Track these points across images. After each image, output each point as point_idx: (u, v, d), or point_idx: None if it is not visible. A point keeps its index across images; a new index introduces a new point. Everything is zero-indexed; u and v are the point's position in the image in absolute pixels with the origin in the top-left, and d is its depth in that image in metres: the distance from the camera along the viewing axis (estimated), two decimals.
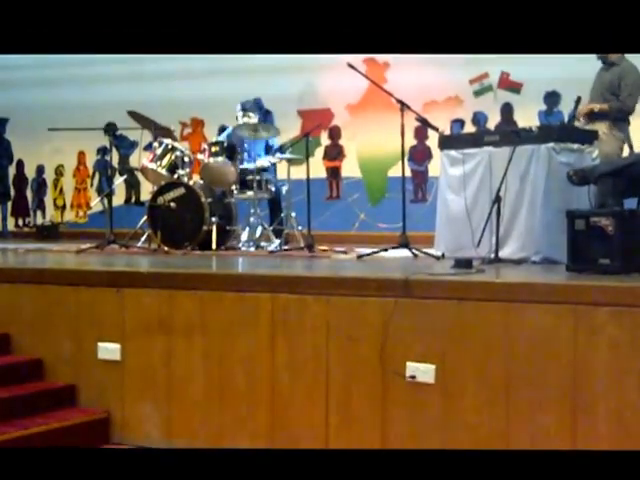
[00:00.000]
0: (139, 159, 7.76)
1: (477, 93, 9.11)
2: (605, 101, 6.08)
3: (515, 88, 8.96)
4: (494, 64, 8.78)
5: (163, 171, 7.10)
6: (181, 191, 6.90)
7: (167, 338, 4.45)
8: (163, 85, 9.94)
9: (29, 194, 11.06)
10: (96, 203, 10.20)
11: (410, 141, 9.01)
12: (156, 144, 7.21)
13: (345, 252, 6.50)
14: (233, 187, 7.18)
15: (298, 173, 7.28)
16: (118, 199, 9.87)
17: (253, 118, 7.68)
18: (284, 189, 7.39)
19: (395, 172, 8.62)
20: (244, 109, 7.75)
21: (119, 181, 9.74)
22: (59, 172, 10.89)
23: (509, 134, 5.59)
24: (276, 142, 7.96)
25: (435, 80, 9.08)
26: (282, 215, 7.37)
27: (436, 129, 6.42)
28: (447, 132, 8.41)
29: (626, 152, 6.14)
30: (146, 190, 8.62)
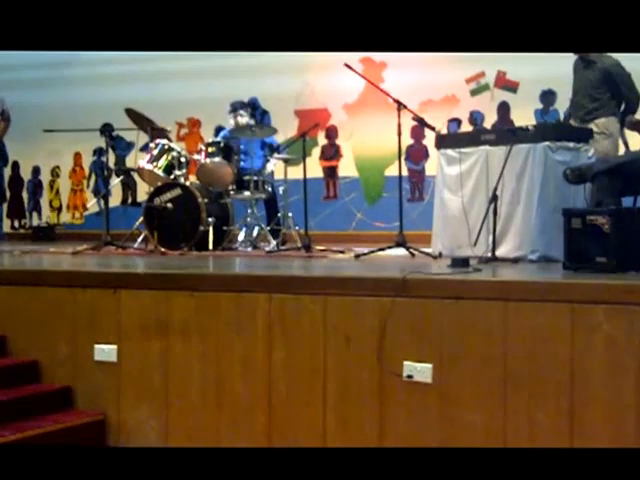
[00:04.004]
0: (135, 160, 7.75)
1: (474, 92, 9.12)
2: (592, 99, 6.04)
3: (511, 87, 8.96)
4: (490, 63, 8.79)
5: (160, 172, 7.09)
6: (178, 192, 6.88)
7: (164, 339, 4.43)
8: (159, 86, 9.93)
9: (25, 196, 11.04)
10: (92, 204, 10.19)
11: (407, 140, 9.01)
12: (152, 145, 7.20)
13: (342, 252, 6.49)
14: (230, 187, 7.17)
15: (295, 173, 7.27)
16: (114, 200, 9.85)
17: (244, 117, 7.68)
18: (281, 189, 7.38)
19: (392, 171, 8.61)
20: (234, 109, 7.75)
21: (115, 182, 9.73)
22: (55, 173, 10.87)
23: (505, 133, 5.58)
24: (275, 140, 7.96)
25: (432, 79, 9.08)
26: (279, 215, 7.36)
27: (433, 128, 6.42)
28: (444, 131, 8.41)
29: (622, 150, 6.14)
30: (142, 191, 8.60)
